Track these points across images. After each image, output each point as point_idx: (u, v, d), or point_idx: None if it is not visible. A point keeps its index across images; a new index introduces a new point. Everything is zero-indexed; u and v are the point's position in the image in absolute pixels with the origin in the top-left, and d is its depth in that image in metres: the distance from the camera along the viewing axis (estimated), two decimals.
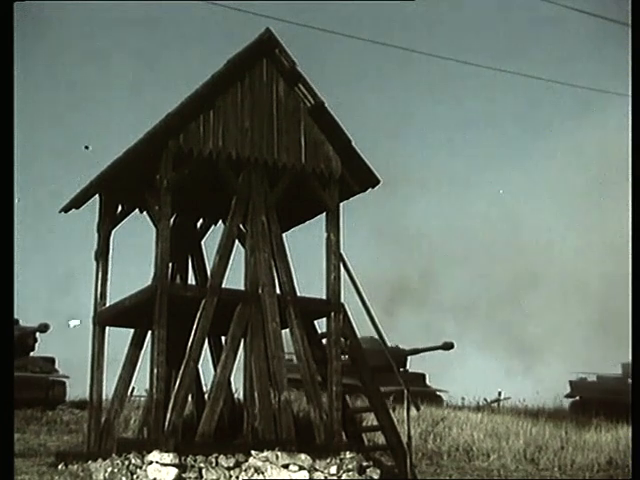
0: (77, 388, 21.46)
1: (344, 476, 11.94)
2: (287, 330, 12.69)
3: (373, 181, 13.63)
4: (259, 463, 11.67)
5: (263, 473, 11.61)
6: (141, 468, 11.26)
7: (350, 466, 12.04)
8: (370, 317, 13.24)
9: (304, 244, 14.75)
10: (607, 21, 16.85)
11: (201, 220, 14.99)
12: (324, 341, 13.19)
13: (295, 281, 12.81)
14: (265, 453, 11.73)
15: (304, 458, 11.82)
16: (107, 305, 13.91)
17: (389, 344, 16.85)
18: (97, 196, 14.17)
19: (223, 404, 12.42)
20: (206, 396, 12.69)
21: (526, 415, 23.61)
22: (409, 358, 29.70)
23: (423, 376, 29.62)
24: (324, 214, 13.38)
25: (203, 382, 14.15)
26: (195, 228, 14.92)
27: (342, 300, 13.05)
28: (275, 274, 12.72)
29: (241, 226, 13.13)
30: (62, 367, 22.52)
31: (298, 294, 12.86)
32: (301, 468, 11.75)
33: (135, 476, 11.23)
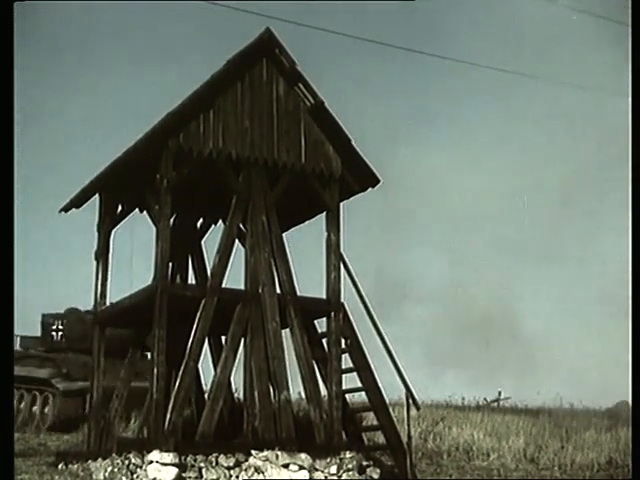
0: None
1: (344, 476, 11.94)
2: (287, 330, 12.70)
3: (373, 181, 13.64)
4: (259, 463, 11.67)
5: (263, 473, 11.61)
6: (141, 467, 11.26)
7: (350, 466, 12.05)
8: (370, 317, 13.24)
9: (304, 244, 14.76)
10: (607, 20, 16.85)
11: (201, 220, 14.99)
12: (324, 341, 13.20)
13: (295, 281, 12.83)
14: (265, 453, 11.73)
15: (304, 458, 11.82)
16: (107, 305, 13.92)
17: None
18: (97, 196, 14.18)
19: (223, 404, 12.43)
20: (206, 396, 12.68)
21: (526, 414, 23.63)
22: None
23: None
24: (324, 214, 13.39)
25: (203, 382, 14.17)
26: (195, 228, 14.92)
27: (342, 300, 13.07)
28: (275, 274, 12.72)
29: (241, 226, 13.13)
30: None
31: (298, 294, 12.87)
32: (301, 468, 11.75)
33: (135, 475, 11.23)
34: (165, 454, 11.17)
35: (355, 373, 13.29)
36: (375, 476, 12.36)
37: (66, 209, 14.31)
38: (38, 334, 21.37)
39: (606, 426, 20.66)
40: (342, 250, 13.23)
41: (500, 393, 31.56)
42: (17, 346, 21.79)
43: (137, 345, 14.01)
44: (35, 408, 19.25)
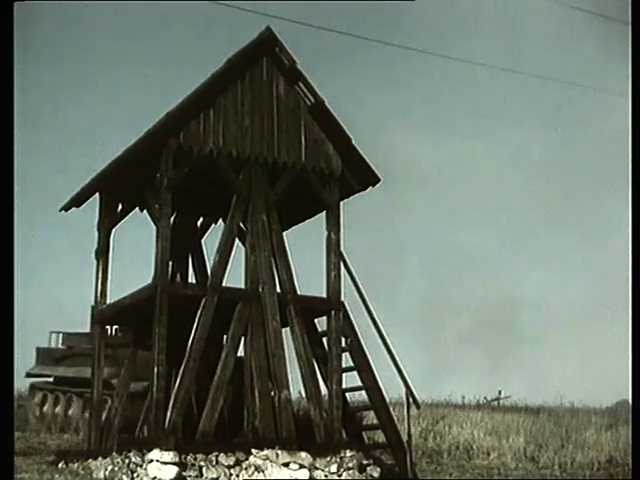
0: None
1: (344, 474, 11.94)
2: (287, 328, 12.70)
3: (373, 179, 13.64)
4: (259, 461, 11.67)
5: (263, 472, 11.62)
6: (141, 466, 11.26)
7: (350, 464, 12.04)
8: (370, 315, 13.23)
9: (304, 242, 14.76)
10: (607, 19, 16.85)
11: (201, 219, 15.00)
12: (324, 339, 13.20)
13: (295, 279, 12.83)
14: (265, 451, 11.73)
15: (304, 456, 11.82)
16: (107, 304, 13.92)
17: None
18: (97, 194, 14.17)
19: (223, 402, 12.42)
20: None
21: (526, 413, 23.64)
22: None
23: None
24: (324, 212, 13.39)
25: None
26: (195, 227, 14.92)
27: (342, 298, 13.07)
28: (275, 272, 12.72)
29: (241, 224, 13.13)
30: None
31: (298, 292, 12.87)
32: (301, 466, 11.75)
33: (135, 474, 11.24)
34: (165, 453, 11.17)
35: (355, 372, 13.31)
36: (375, 475, 12.35)
37: (66, 208, 14.32)
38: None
39: (606, 425, 20.67)
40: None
41: (500, 392, 31.62)
42: (59, 344, 20.63)
43: (138, 344, 13.99)
44: (87, 413, 18.20)
